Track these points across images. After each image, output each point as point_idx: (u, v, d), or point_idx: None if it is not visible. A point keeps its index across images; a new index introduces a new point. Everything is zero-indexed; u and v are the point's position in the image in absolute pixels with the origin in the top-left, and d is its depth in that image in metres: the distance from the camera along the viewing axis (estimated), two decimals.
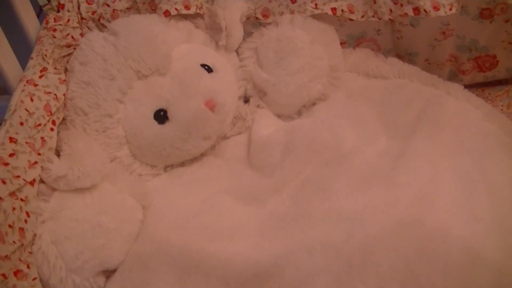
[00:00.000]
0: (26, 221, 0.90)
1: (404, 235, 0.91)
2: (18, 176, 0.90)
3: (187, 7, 1.17)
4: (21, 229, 0.88)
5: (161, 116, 1.08)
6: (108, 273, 0.98)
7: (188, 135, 1.08)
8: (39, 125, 1.00)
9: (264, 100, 1.23)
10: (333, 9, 1.19)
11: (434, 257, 0.88)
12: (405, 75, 1.21)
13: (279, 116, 1.23)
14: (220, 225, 1.00)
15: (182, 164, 1.16)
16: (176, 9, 1.16)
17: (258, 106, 1.23)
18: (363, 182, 1.01)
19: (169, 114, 1.08)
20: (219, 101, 1.08)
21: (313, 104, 1.22)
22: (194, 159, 1.17)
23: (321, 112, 1.17)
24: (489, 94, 1.31)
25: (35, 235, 0.91)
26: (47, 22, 1.19)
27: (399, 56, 1.29)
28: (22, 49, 1.16)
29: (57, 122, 1.06)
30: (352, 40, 1.28)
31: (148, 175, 1.14)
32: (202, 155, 1.17)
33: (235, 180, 1.11)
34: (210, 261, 0.94)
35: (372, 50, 1.29)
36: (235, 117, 1.20)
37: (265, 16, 1.23)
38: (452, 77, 1.28)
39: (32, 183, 0.93)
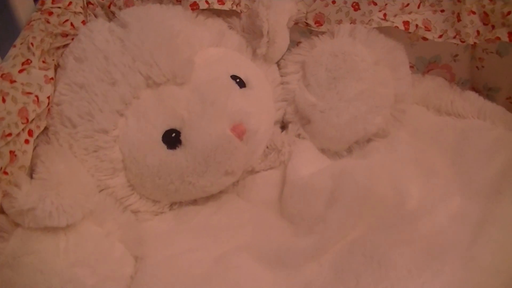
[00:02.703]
0: None
1: None
2: None
3: (221, 1, 0.92)
4: None
5: (172, 139, 0.81)
6: None
7: (205, 168, 0.81)
8: (9, 135, 0.74)
9: (307, 129, 0.97)
10: (406, 23, 0.93)
11: None
12: (486, 116, 0.95)
13: (323, 151, 0.97)
14: None
15: (194, 202, 0.90)
16: (206, 2, 0.90)
17: (299, 135, 0.97)
18: (434, 259, 0.73)
19: (182, 137, 0.81)
20: (250, 127, 0.83)
21: (368, 141, 0.95)
22: (210, 197, 0.90)
23: (379, 153, 0.91)
24: None
25: None
26: (42, 3, 0.92)
27: (476, 91, 1.04)
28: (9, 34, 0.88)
29: (36, 133, 0.80)
30: (422, 65, 1.04)
31: (148, 212, 0.88)
32: (221, 192, 0.90)
33: (261, 234, 0.84)
34: None
35: (445, 79, 1.03)
36: (267, 147, 0.94)
37: (319, 23, 0.97)
38: None
39: None
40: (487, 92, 1.04)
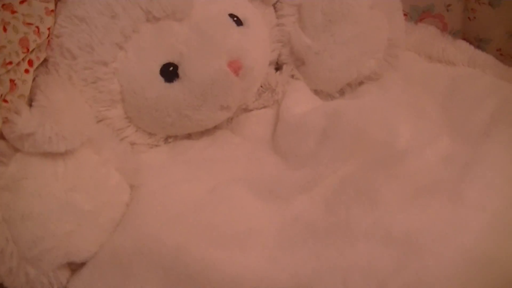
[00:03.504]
0: None
1: (474, 273, 0.64)
2: None
3: None
4: None
5: (170, 72, 0.80)
6: (74, 267, 0.73)
7: (202, 102, 0.81)
8: (10, 63, 0.73)
9: (301, 71, 0.96)
10: None
11: None
12: (476, 64, 0.96)
13: (316, 92, 0.97)
14: (230, 226, 0.73)
15: (189, 136, 0.90)
16: None
17: (293, 76, 0.97)
18: (421, 194, 0.73)
19: (180, 71, 0.80)
20: (246, 63, 0.82)
21: (360, 83, 0.96)
22: (204, 132, 0.90)
23: (372, 95, 0.92)
24: None
25: None
26: None
27: (467, 41, 1.04)
28: None
29: (36, 63, 0.79)
30: (416, 14, 1.05)
31: (143, 144, 0.88)
32: (216, 128, 0.91)
33: (254, 167, 0.85)
34: (211, 273, 0.68)
35: (437, 28, 1.04)
36: (262, 86, 0.94)
37: None
38: None
39: None
40: (478, 43, 1.06)
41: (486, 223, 0.69)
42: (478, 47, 1.03)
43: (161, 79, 0.81)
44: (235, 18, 0.86)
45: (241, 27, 0.86)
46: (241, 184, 0.79)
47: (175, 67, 0.81)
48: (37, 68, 0.80)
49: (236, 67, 0.81)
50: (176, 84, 0.81)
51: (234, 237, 0.72)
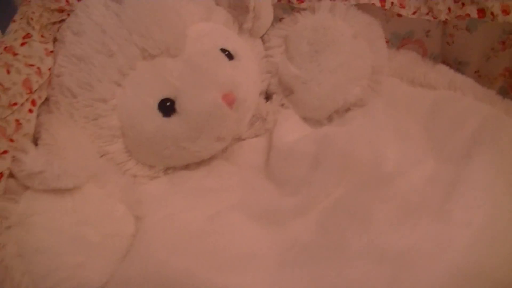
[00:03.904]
0: None
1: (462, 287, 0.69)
2: None
3: None
4: None
5: (167, 107, 0.84)
6: None
7: (198, 134, 0.86)
8: (15, 104, 0.78)
9: (290, 99, 1.01)
10: (382, 0, 0.98)
11: None
12: (456, 87, 0.99)
13: (306, 120, 1.02)
14: (232, 251, 0.78)
15: (186, 167, 0.94)
16: None
17: (282, 105, 1.02)
18: (410, 214, 0.79)
19: (177, 106, 0.84)
20: (239, 95, 0.86)
21: (347, 110, 1.00)
22: (201, 163, 0.95)
23: (358, 121, 0.96)
24: None
25: None
26: None
27: (446, 64, 1.08)
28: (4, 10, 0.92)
29: (38, 103, 0.83)
30: (397, 40, 1.08)
31: (144, 176, 0.92)
32: (211, 158, 0.95)
33: (250, 194, 0.89)
34: None
35: (418, 53, 1.08)
36: (253, 116, 0.97)
37: (300, 0, 1.00)
38: (503, 94, 1.03)
39: None
40: (457, 66, 1.08)
41: (471, 239, 0.74)
42: (457, 69, 1.06)
43: (159, 113, 0.85)
44: (226, 52, 0.90)
45: (232, 60, 0.90)
46: (239, 211, 0.84)
47: (172, 102, 0.84)
48: (39, 106, 0.84)
49: (230, 100, 0.85)
50: (173, 118, 0.85)
51: (237, 261, 0.77)
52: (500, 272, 0.71)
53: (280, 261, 0.77)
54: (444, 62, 1.10)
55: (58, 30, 0.91)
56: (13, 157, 0.74)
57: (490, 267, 0.71)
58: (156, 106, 0.85)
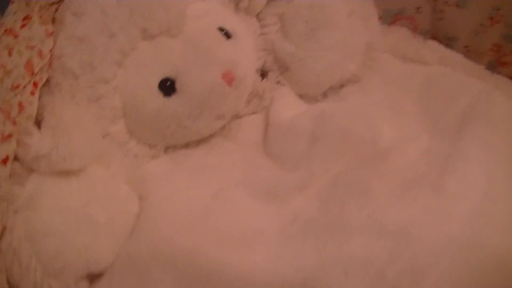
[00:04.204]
0: None
1: (460, 258, 0.72)
2: None
3: None
4: None
5: (167, 87, 0.86)
6: (93, 278, 0.77)
7: (199, 112, 0.88)
8: (18, 86, 0.79)
9: (286, 76, 1.03)
10: None
11: (496, 285, 0.71)
12: (447, 62, 1.03)
13: (301, 96, 1.04)
14: (236, 227, 0.80)
15: (187, 145, 0.96)
16: None
17: (278, 82, 1.04)
18: (407, 188, 0.81)
19: (177, 85, 0.86)
20: (238, 74, 0.88)
21: (342, 86, 1.03)
22: (200, 141, 0.96)
23: (354, 97, 0.99)
24: None
25: (4, 227, 0.71)
26: None
27: (436, 40, 1.11)
28: None
29: (40, 85, 0.84)
30: (389, 17, 1.11)
31: (145, 156, 0.93)
32: (210, 136, 0.96)
33: (251, 171, 0.91)
34: (223, 272, 0.74)
35: (409, 29, 1.11)
36: (250, 94, 0.99)
37: None
38: (491, 68, 1.08)
39: (4, 161, 0.74)
40: (447, 41, 1.11)
41: (467, 211, 0.77)
42: (447, 45, 1.09)
43: (160, 93, 0.86)
44: (224, 31, 0.92)
45: (230, 39, 0.92)
46: (240, 188, 0.86)
47: (172, 81, 0.86)
48: (40, 88, 0.84)
49: (229, 78, 0.87)
50: (174, 98, 0.86)
51: (241, 238, 0.78)
52: (497, 242, 0.73)
53: (282, 236, 0.79)
54: (434, 37, 1.13)
55: (56, 11, 0.90)
56: (18, 140, 0.75)
57: (486, 238, 0.74)
58: (156, 85, 0.87)
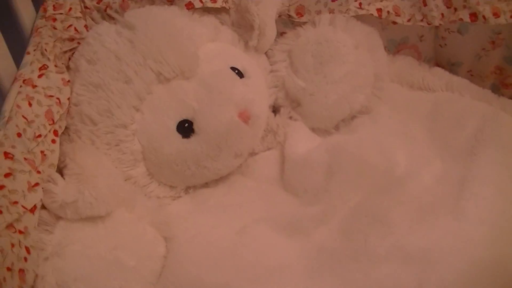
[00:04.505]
0: (26, 259, 0.71)
1: (485, 280, 0.74)
2: (16, 202, 0.71)
3: (213, 0, 0.97)
4: (21, 270, 0.69)
5: (185, 128, 0.88)
6: None
7: (218, 152, 0.89)
8: (39, 136, 0.80)
9: (298, 111, 1.04)
10: (379, 10, 1.02)
11: None
12: (453, 88, 1.05)
13: (314, 130, 1.05)
14: (263, 263, 0.81)
15: (206, 185, 0.97)
16: (200, 1, 0.96)
17: (290, 118, 1.05)
18: (427, 214, 0.83)
19: (195, 126, 0.88)
20: (254, 112, 0.91)
21: (353, 118, 1.04)
22: (219, 179, 0.98)
23: (365, 127, 1.00)
24: None
25: (36, 275, 0.71)
26: (45, 10, 0.95)
27: (440, 66, 1.13)
28: (14, 41, 0.91)
29: (59, 132, 0.85)
30: (393, 46, 1.12)
31: (166, 197, 0.94)
32: (229, 174, 0.98)
33: (271, 207, 0.92)
34: None
35: (413, 58, 1.13)
36: (264, 130, 1.01)
37: (300, 14, 1.04)
38: (494, 90, 1.11)
39: (32, 210, 0.74)
40: (450, 67, 1.13)
41: (487, 233, 0.79)
42: (451, 70, 1.11)
43: (178, 135, 0.88)
44: (236, 71, 0.94)
45: (243, 78, 0.94)
46: (263, 224, 0.87)
47: (190, 123, 0.88)
48: (60, 136, 0.85)
49: (245, 117, 0.89)
50: (193, 139, 0.88)
51: (269, 273, 0.80)
52: None
53: (309, 269, 0.81)
54: (438, 64, 1.14)
55: (70, 59, 0.93)
56: (43, 188, 0.76)
57: (509, 258, 0.76)
58: (175, 128, 0.88)
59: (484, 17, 0.97)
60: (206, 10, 1.00)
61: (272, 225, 0.87)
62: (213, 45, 0.96)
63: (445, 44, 1.10)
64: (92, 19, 0.99)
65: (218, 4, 0.98)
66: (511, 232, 0.79)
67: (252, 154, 1.01)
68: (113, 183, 0.81)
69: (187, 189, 0.96)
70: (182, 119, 0.88)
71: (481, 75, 1.12)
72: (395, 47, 1.12)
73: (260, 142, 1.01)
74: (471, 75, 1.12)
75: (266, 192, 0.96)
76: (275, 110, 1.07)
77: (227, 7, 1.01)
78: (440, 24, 1.03)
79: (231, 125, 0.87)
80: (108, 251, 0.77)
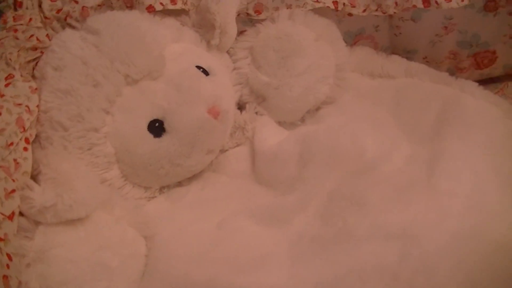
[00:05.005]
0: (8, 266, 0.71)
1: (465, 249, 0.77)
2: None
3: (173, 2, 0.99)
4: (5, 277, 0.69)
5: (156, 128, 0.89)
6: None
7: (190, 149, 0.90)
8: (11, 144, 0.79)
9: (263, 106, 1.06)
10: (335, 3, 1.04)
11: (501, 269, 0.75)
12: (413, 73, 1.07)
13: (280, 123, 1.07)
14: (246, 253, 0.83)
15: (180, 184, 0.98)
16: (161, 3, 0.97)
17: (257, 113, 1.07)
18: (401, 193, 0.85)
19: (166, 125, 0.89)
20: (223, 107, 0.93)
21: (317, 109, 1.07)
22: (192, 177, 0.99)
23: (332, 117, 1.02)
24: None
25: (20, 282, 0.71)
26: (5, 22, 0.95)
27: (396, 54, 1.15)
28: None
29: (31, 140, 0.85)
30: (350, 38, 1.14)
31: (142, 199, 0.95)
32: (201, 172, 0.99)
33: (247, 199, 0.94)
34: None
35: (370, 47, 1.15)
36: (232, 127, 1.02)
37: (258, 12, 1.05)
38: (450, 74, 1.11)
39: (11, 217, 0.73)
40: (407, 55, 1.16)
41: (462, 205, 0.82)
42: (407, 58, 1.13)
43: (150, 135, 0.89)
44: (202, 69, 0.95)
45: (209, 76, 0.96)
46: (242, 216, 0.88)
47: (161, 122, 0.89)
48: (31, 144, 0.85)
49: (215, 113, 0.90)
50: (164, 138, 0.89)
51: (253, 263, 0.81)
52: (494, 228, 0.79)
53: (292, 256, 0.82)
54: (394, 52, 1.17)
55: (34, 69, 0.93)
56: (20, 195, 0.75)
57: (485, 226, 0.79)
58: (146, 128, 0.89)
59: (436, 2, 1.00)
60: (167, 13, 1.01)
61: (250, 216, 0.88)
62: (177, 45, 0.97)
63: (400, 33, 1.13)
64: (53, 29, 0.99)
65: (178, 6, 0.99)
66: (484, 201, 0.82)
67: (222, 151, 1.02)
68: (91, 185, 0.81)
69: (161, 189, 0.97)
70: (152, 119, 0.89)
71: (437, 61, 1.16)
72: (352, 39, 1.14)
73: (229, 139, 1.02)
74: (427, 62, 1.17)
75: (240, 186, 0.97)
76: (240, 107, 1.08)
77: (187, 9, 1.02)
78: (394, 13, 1.05)
79: (202, 122, 0.89)
80: (91, 253, 0.77)
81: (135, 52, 0.89)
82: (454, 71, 1.18)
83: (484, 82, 1.18)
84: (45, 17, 0.99)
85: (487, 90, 1.06)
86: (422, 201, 0.84)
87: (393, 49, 1.18)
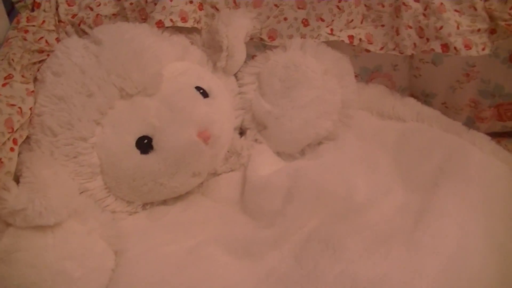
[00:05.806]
0: None
1: None
2: None
3: (184, 19, 1.00)
4: None
5: (144, 145, 0.90)
6: None
7: (175, 170, 0.91)
8: None
9: (263, 134, 1.07)
10: (350, 37, 1.04)
11: None
12: (424, 119, 1.06)
13: (279, 154, 1.07)
14: (210, 283, 0.83)
15: (164, 202, 0.99)
16: (171, 20, 0.99)
17: (256, 140, 1.07)
18: (381, 243, 0.84)
19: (154, 143, 0.90)
20: (214, 132, 0.93)
21: (319, 143, 1.05)
22: (178, 197, 1.00)
23: (329, 154, 1.01)
24: (505, 145, 1.13)
25: None
26: (18, 22, 1.00)
27: (414, 97, 1.15)
28: None
29: (19, 141, 0.88)
30: (366, 74, 1.14)
31: (123, 212, 0.96)
32: (188, 193, 1.00)
33: (226, 227, 0.94)
34: None
35: (386, 87, 1.14)
36: (228, 151, 1.03)
37: (272, 38, 1.06)
38: (469, 124, 1.13)
39: None
40: (425, 98, 1.15)
41: (440, 266, 0.80)
42: (425, 101, 1.12)
43: (137, 151, 0.90)
44: (201, 90, 0.96)
45: (207, 98, 0.96)
46: (216, 244, 0.88)
47: (149, 139, 0.90)
48: (20, 145, 0.88)
49: (205, 137, 0.91)
50: (151, 156, 0.90)
51: None
52: None
53: None
54: (412, 94, 1.16)
55: (38, 70, 0.96)
56: None
57: None
58: (134, 143, 0.91)
59: (455, 48, 0.98)
60: (178, 30, 1.03)
61: (224, 245, 0.88)
62: (179, 64, 0.98)
63: (420, 75, 1.12)
64: (66, 33, 1.03)
65: (189, 24, 1.01)
66: (465, 264, 0.80)
67: (215, 174, 1.03)
68: (66, 194, 0.83)
69: (144, 205, 0.98)
70: (141, 135, 0.90)
71: (456, 107, 1.14)
72: (368, 75, 1.14)
73: (223, 163, 1.03)
74: (446, 107, 1.14)
75: (222, 213, 0.98)
76: (241, 132, 1.09)
77: (199, 27, 1.04)
78: (413, 54, 1.04)
79: (190, 144, 0.90)
80: (55, 261, 0.78)
81: (132, 67, 0.91)
82: (474, 120, 1.16)
83: (507, 134, 1.17)
84: (60, 21, 1.03)
85: (499, 145, 1.03)
86: (401, 255, 0.82)
87: (411, 91, 1.17)
